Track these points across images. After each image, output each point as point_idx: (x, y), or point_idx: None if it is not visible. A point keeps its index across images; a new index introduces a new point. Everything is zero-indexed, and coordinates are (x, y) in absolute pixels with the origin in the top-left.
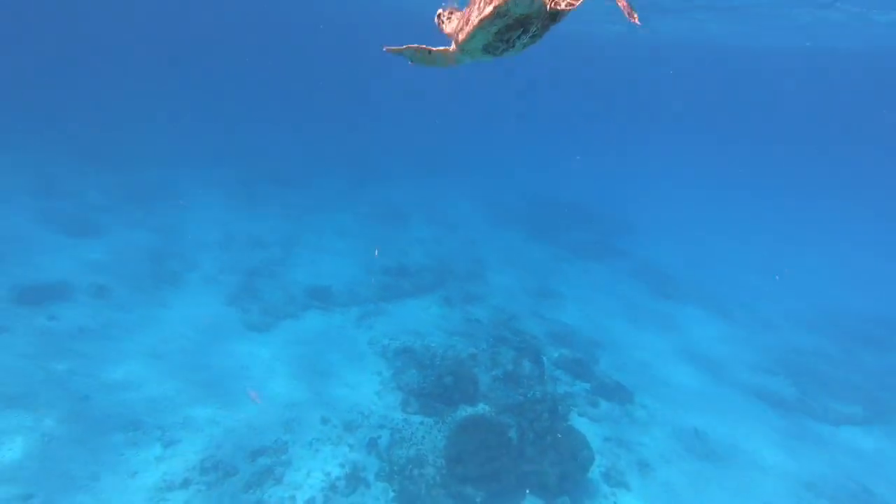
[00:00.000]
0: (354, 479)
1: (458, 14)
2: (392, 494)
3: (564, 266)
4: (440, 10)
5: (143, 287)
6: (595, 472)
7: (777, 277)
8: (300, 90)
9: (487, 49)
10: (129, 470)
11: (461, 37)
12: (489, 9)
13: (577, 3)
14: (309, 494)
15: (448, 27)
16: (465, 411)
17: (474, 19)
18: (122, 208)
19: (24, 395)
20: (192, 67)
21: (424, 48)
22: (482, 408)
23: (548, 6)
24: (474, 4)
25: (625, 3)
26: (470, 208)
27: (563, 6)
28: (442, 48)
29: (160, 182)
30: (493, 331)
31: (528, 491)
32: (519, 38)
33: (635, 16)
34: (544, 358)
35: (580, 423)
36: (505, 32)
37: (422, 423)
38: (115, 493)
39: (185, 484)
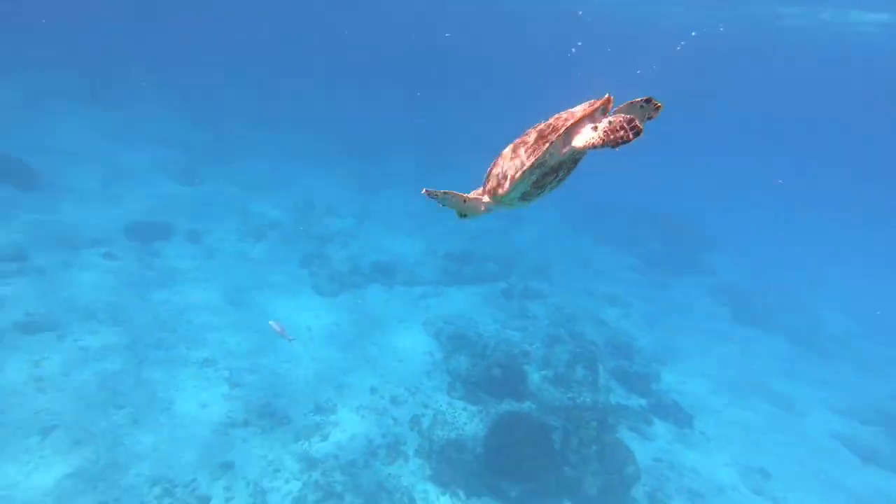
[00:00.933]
0: (395, 451)
1: (495, 173)
2: (429, 472)
3: (636, 276)
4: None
5: (229, 238)
6: (640, 490)
7: (879, 313)
8: (395, 69)
9: (524, 197)
10: (200, 401)
11: (501, 191)
12: (531, 160)
13: (595, 145)
14: (351, 457)
15: (479, 190)
16: (511, 406)
17: (515, 173)
18: (218, 163)
19: (125, 319)
20: (294, 41)
21: (460, 196)
22: (528, 406)
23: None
24: (505, 160)
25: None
26: (541, 204)
27: (580, 147)
28: (474, 197)
29: (251, 143)
30: (551, 330)
31: (566, 499)
32: (551, 182)
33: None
34: (600, 366)
35: (630, 439)
36: (541, 179)
37: (465, 409)
38: (188, 419)
39: (245, 424)
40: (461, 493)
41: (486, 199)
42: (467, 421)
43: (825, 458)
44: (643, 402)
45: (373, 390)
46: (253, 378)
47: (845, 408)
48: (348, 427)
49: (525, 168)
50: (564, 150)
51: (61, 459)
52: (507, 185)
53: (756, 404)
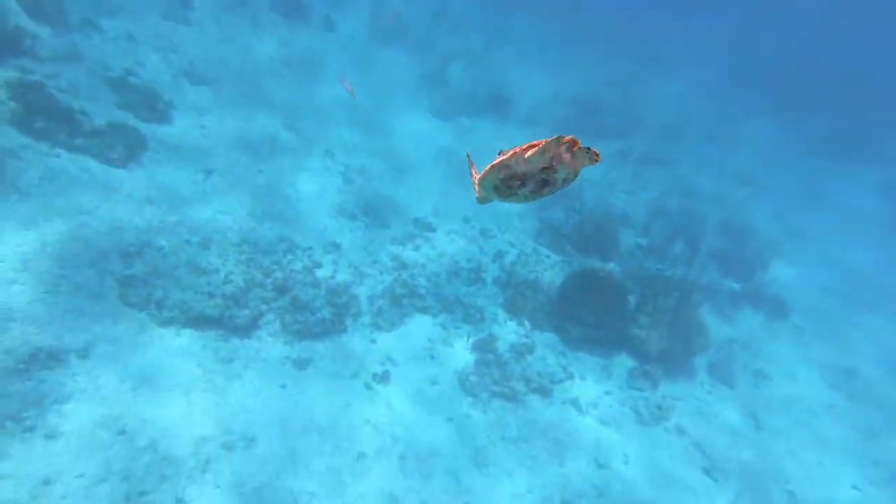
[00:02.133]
0: (475, 276)
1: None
2: (502, 300)
3: (786, 155)
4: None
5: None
6: (702, 360)
7: None
8: None
9: (496, 190)
10: (320, 186)
11: (480, 175)
12: (497, 160)
13: (566, 178)
14: (437, 270)
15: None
16: (594, 264)
17: (490, 165)
18: None
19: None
20: None
21: (474, 172)
22: (612, 267)
23: (541, 170)
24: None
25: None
26: (700, 48)
27: (553, 175)
28: (476, 177)
29: None
30: (660, 201)
31: (625, 351)
32: (520, 188)
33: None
34: (703, 245)
35: (710, 318)
36: (508, 181)
37: (549, 257)
38: (310, 197)
39: (353, 217)
40: (527, 324)
41: (475, 177)
42: (548, 267)
43: None
44: (737, 286)
45: (466, 220)
46: (363, 179)
47: None
48: (438, 245)
49: (492, 164)
50: (521, 168)
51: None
52: (484, 170)
53: (871, 319)
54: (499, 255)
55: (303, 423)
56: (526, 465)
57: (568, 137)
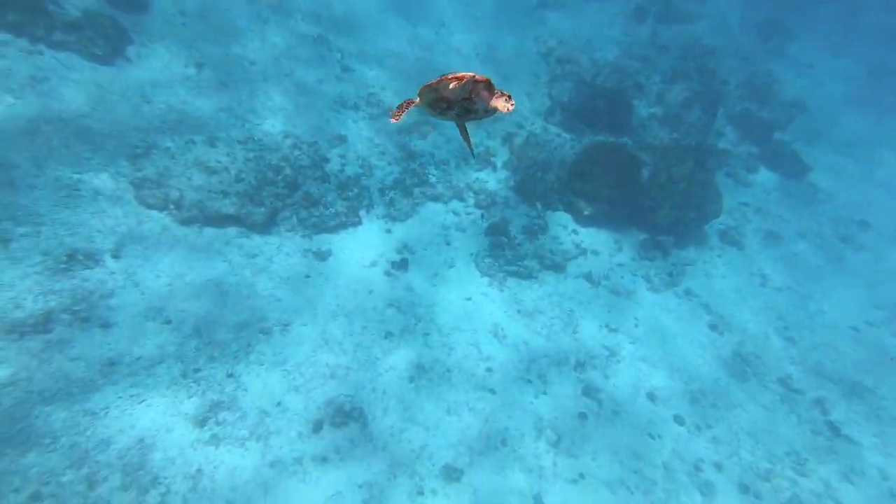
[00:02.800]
0: (484, 160)
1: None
2: (512, 184)
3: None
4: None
5: None
6: (714, 227)
7: None
8: None
9: (430, 107)
10: (318, 77)
11: (418, 91)
12: (430, 83)
13: (487, 111)
14: (445, 157)
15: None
16: (605, 139)
17: (426, 84)
18: None
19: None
20: None
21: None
22: (625, 141)
23: (462, 100)
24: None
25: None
26: None
27: (473, 106)
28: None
29: None
30: (678, 64)
31: (637, 224)
32: (447, 110)
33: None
34: (721, 109)
35: (724, 183)
36: (437, 102)
37: (559, 136)
38: (307, 88)
39: (356, 107)
40: (538, 205)
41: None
42: (558, 146)
43: None
44: (755, 149)
45: None
46: (363, 67)
47: None
48: (445, 131)
49: (426, 84)
50: (446, 94)
51: None
52: (422, 88)
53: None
54: (508, 139)
55: (331, 308)
56: (542, 333)
57: (482, 77)
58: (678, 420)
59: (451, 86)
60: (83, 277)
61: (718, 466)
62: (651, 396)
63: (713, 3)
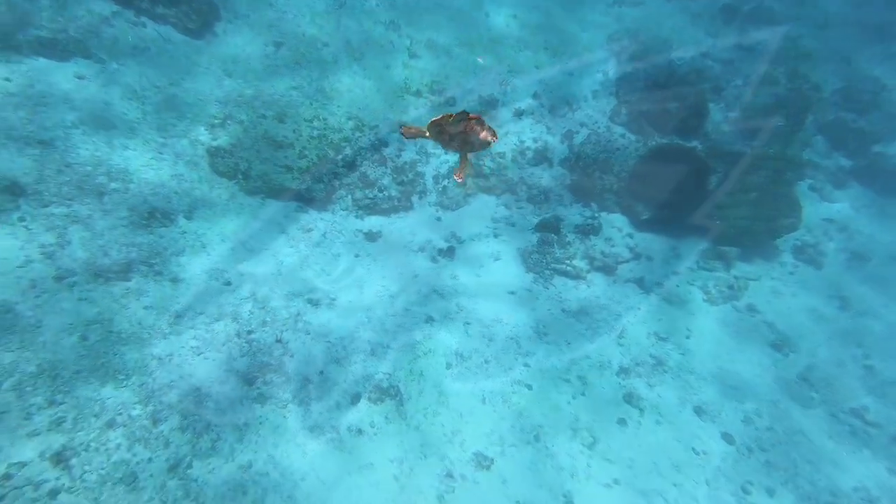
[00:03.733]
0: (541, 156)
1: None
2: (568, 182)
3: None
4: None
5: None
6: (788, 241)
7: None
8: None
9: (436, 137)
10: (384, 63)
11: (428, 123)
12: (436, 119)
13: (482, 143)
14: (502, 150)
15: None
16: (672, 141)
17: (432, 120)
18: None
19: None
20: None
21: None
22: (695, 145)
23: (460, 133)
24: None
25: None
26: None
27: (470, 138)
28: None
29: None
30: (765, 67)
31: (699, 232)
32: (450, 142)
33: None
34: (810, 117)
35: (806, 196)
36: (440, 134)
37: (623, 136)
38: (376, 74)
39: (418, 94)
40: (594, 205)
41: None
42: (621, 147)
43: None
44: (848, 163)
45: (535, 95)
46: (430, 55)
47: None
48: (504, 124)
49: (433, 119)
50: (448, 128)
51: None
52: (429, 123)
53: None
54: (568, 136)
55: (377, 288)
56: (586, 336)
57: (473, 115)
58: (727, 438)
59: (450, 121)
60: (160, 234)
61: (770, 492)
62: (698, 411)
63: (812, 3)
